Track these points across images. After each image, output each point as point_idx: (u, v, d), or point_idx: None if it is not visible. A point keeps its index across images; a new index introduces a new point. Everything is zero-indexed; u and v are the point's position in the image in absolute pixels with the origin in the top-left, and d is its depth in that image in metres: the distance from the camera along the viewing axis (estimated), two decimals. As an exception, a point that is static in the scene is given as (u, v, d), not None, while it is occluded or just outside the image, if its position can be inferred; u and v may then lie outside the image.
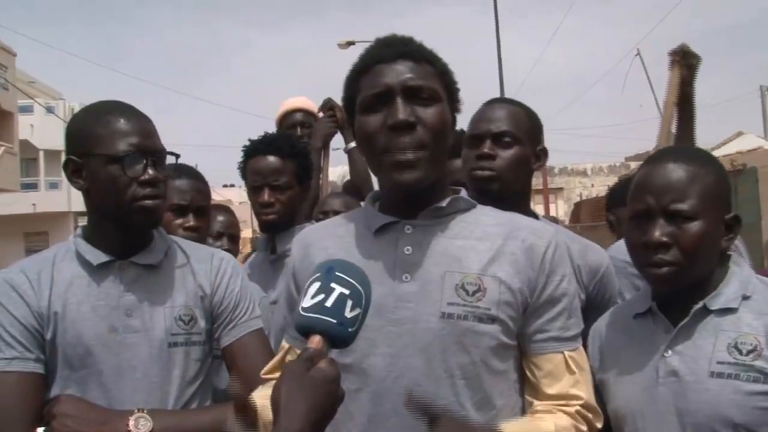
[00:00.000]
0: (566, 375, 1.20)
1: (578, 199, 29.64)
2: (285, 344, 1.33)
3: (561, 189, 31.17)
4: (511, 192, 1.66)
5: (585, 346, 1.42)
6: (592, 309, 1.69)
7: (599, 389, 1.37)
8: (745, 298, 1.26)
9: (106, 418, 1.29)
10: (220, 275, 1.49)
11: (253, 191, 2.12)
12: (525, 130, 1.68)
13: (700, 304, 1.27)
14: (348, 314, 0.96)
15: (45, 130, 27.50)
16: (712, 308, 1.26)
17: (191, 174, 1.93)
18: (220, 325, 1.47)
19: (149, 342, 1.38)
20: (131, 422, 1.28)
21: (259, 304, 1.83)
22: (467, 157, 1.69)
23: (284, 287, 1.36)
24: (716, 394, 1.20)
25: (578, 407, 1.19)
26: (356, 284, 0.99)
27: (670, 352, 1.27)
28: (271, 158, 2.09)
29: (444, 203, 1.22)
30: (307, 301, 0.97)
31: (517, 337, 1.21)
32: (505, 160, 1.65)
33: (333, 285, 0.97)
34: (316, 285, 0.98)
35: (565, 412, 1.18)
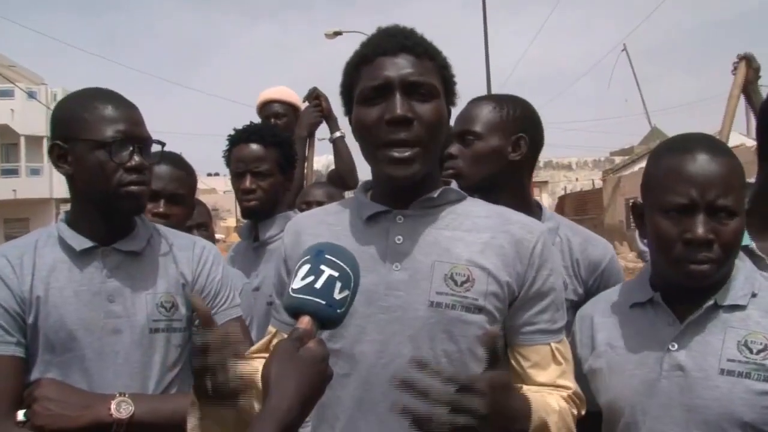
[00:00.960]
0: (552, 365, 1.22)
1: (563, 192, 29.86)
2: (272, 328, 1.34)
3: (546, 182, 31.35)
4: (485, 185, 1.66)
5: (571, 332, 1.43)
6: None
7: (588, 378, 1.36)
8: (753, 295, 1.25)
9: (88, 402, 1.30)
10: (202, 263, 1.50)
11: (236, 178, 2.15)
12: (490, 125, 1.69)
13: (711, 300, 1.25)
14: (337, 296, 0.98)
15: (26, 116, 27.13)
16: (723, 304, 1.25)
17: (172, 161, 1.93)
18: None
19: (131, 328, 1.39)
20: (113, 406, 1.30)
21: (242, 290, 1.84)
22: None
23: (275, 272, 1.37)
24: (726, 392, 1.19)
25: (569, 394, 1.22)
26: (345, 267, 1.01)
27: (676, 345, 1.25)
28: (254, 146, 2.12)
29: (435, 194, 1.24)
30: (297, 283, 0.99)
31: (503, 327, 1.22)
32: (466, 158, 1.69)
33: (323, 267, 0.99)
34: (306, 267, 1.00)
35: (560, 395, 1.20)
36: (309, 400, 0.96)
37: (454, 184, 1.30)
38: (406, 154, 1.17)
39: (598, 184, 25.42)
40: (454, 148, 1.71)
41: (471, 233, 1.22)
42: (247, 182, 2.09)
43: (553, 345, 1.23)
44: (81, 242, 1.40)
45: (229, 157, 2.18)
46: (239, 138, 2.15)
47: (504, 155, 1.69)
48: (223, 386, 1.12)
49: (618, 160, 27.52)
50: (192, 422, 1.19)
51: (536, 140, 1.75)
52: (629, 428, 1.28)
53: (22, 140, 28.19)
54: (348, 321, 1.09)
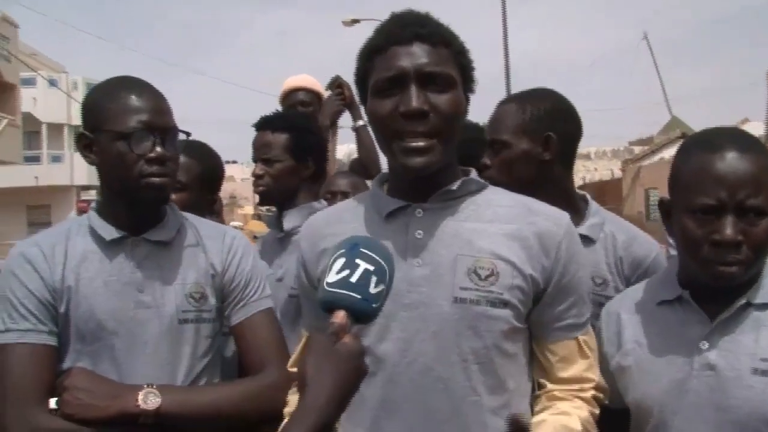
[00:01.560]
0: (579, 359, 1.21)
1: (581, 182, 29.62)
2: (304, 332, 1.34)
3: (564, 172, 31.04)
4: (522, 189, 1.63)
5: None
6: None
7: (615, 375, 1.34)
8: None
9: (116, 392, 1.30)
10: (232, 254, 1.49)
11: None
12: (516, 129, 1.66)
13: (744, 299, 1.22)
14: (372, 290, 0.97)
15: (48, 103, 27.40)
16: (755, 302, 1.22)
17: (185, 150, 1.92)
18: (230, 303, 1.48)
19: (160, 318, 1.39)
20: (140, 397, 1.30)
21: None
22: None
23: (296, 276, 1.36)
24: (760, 392, 1.16)
25: (593, 391, 1.21)
26: (381, 260, 0.99)
27: (707, 344, 1.22)
28: (263, 133, 2.12)
29: (454, 186, 1.21)
30: (332, 277, 0.98)
31: (529, 322, 1.21)
32: (496, 167, 1.69)
33: (358, 261, 0.98)
34: (341, 261, 0.98)
35: (581, 398, 1.19)
36: (346, 396, 0.95)
37: (473, 173, 1.26)
38: (422, 144, 1.14)
39: (617, 174, 25.16)
40: (487, 158, 1.71)
41: (493, 224, 1.19)
42: (257, 169, 2.11)
43: (580, 338, 1.22)
44: (110, 232, 1.40)
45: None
46: (256, 127, 2.17)
47: (535, 157, 1.66)
48: None
49: (637, 149, 27.20)
50: None
51: (569, 132, 1.71)
52: (658, 428, 1.27)
53: (44, 128, 28.50)
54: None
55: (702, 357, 1.23)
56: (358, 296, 0.96)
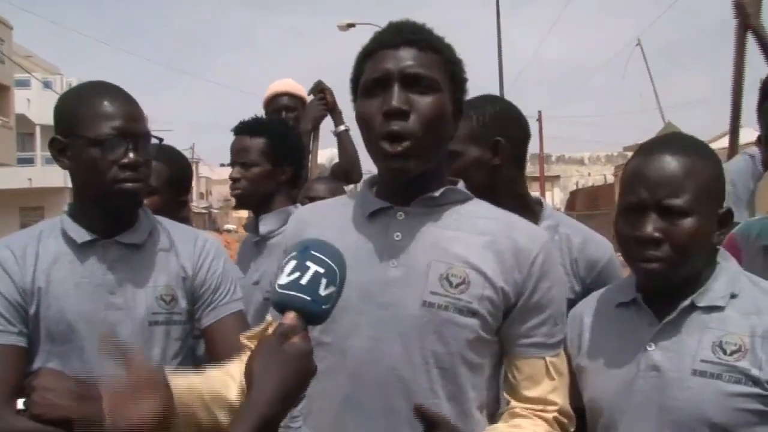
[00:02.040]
0: (545, 380, 1.21)
1: (575, 187, 29.67)
2: (269, 318, 1.35)
3: (557, 177, 31.19)
4: (480, 195, 1.63)
5: None
6: None
7: (575, 374, 1.36)
8: (733, 296, 1.24)
9: (84, 392, 1.32)
10: (203, 257, 1.52)
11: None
12: (465, 137, 1.66)
13: (687, 301, 1.24)
14: (322, 292, 0.99)
15: (42, 105, 27.32)
16: (700, 305, 1.24)
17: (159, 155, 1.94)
18: (201, 306, 1.50)
19: (131, 320, 1.41)
20: None
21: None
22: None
23: (277, 265, 1.38)
24: (697, 393, 1.19)
25: (555, 414, 1.21)
26: (331, 263, 1.01)
27: (653, 345, 1.25)
28: (240, 137, 2.16)
29: (437, 193, 1.22)
30: (283, 279, 1.00)
31: (499, 335, 1.21)
32: (455, 175, 1.68)
33: (308, 263, 1.00)
34: (292, 263, 1.01)
35: (542, 418, 1.19)
36: (291, 395, 0.97)
37: (461, 185, 1.28)
38: (399, 148, 1.15)
39: (610, 179, 25.24)
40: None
41: (472, 235, 1.21)
42: (234, 172, 2.14)
43: (548, 359, 1.21)
44: (82, 235, 1.42)
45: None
46: (234, 131, 2.20)
47: (486, 162, 1.67)
48: None
49: (631, 155, 27.26)
50: None
51: (517, 135, 1.73)
52: (607, 427, 1.29)
53: (38, 129, 28.45)
54: (341, 315, 1.09)
55: (648, 358, 1.25)
56: (308, 298, 0.98)
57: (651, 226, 1.22)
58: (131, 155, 1.38)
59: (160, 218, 1.57)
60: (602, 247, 1.71)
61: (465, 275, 1.17)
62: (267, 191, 2.14)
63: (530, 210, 1.67)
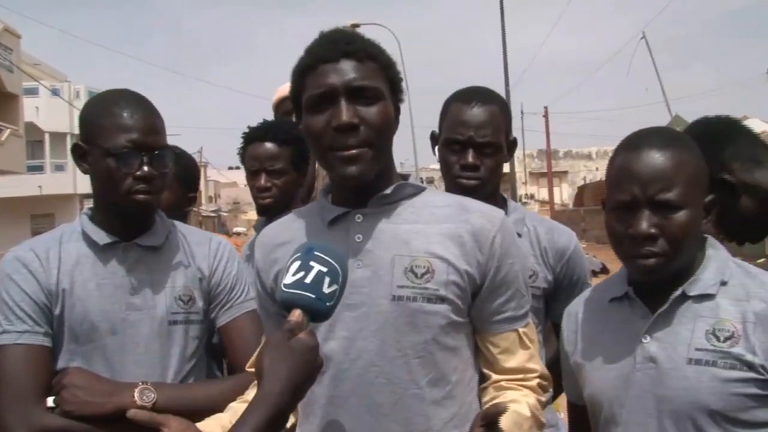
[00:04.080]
0: (520, 350, 1.27)
1: (582, 182, 29.58)
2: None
3: (565, 172, 31.11)
4: (490, 189, 1.73)
5: (560, 327, 1.48)
6: (560, 290, 1.76)
7: (574, 372, 1.40)
8: (723, 283, 1.26)
9: (113, 390, 1.37)
10: (218, 259, 1.57)
11: (251, 175, 2.19)
12: (502, 131, 1.74)
13: (679, 291, 1.26)
14: (326, 290, 1.06)
15: (50, 113, 27.56)
16: (691, 294, 1.26)
17: None
18: (217, 306, 1.56)
19: (151, 320, 1.46)
20: (136, 394, 1.37)
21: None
22: (449, 162, 1.74)
23: (252, 285, 1.41)
24: (694, 382, 1.20)
25: (537, 380, 1.27)
26: (333, 263, 1.07)
27: (648, 338, 1.27)
28: (268, 144, 2.15)
29: (389, 191, 1.26)
30: (288, 278, 1.06)
31: (470, 316, 1.26)
32: (488, 169, 1.72)
33: (312, 263, 1.06)
34: (297, 264, 1.07)
35: (527, 386, 1.25)
36: (300, 387, 1.03)
37: (411, 178, 1.33)
38: (354, 152, 1.19)
39: (619, 173, 25.09)
40: (473, 157, 1.74)
41: (430, 225, 1.25)
42: (262, 180, 2.13)
43: (520, 330, 1.27)
44: (103, 237, 1.47)
45: (244, 155, 2.22)
46: (254, 136, 2.19)
47: (504, 160, 1.76)
48: None
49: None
50: None
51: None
52: (608, 421, 1.31)
53: (47, 137, 28.67)
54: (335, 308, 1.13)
55: (643, 350, 1.27)
56: (313, 296, 1.05)
57: (646, 223, 1.23)
58: (146, 168, 1.42)
59: (175, 222, 1.62)
60: (567, 235, 1.80)
61: (428, 264, 1.21)
62: (293, 197, 2.18)
63: (498, 205, 1.73)
